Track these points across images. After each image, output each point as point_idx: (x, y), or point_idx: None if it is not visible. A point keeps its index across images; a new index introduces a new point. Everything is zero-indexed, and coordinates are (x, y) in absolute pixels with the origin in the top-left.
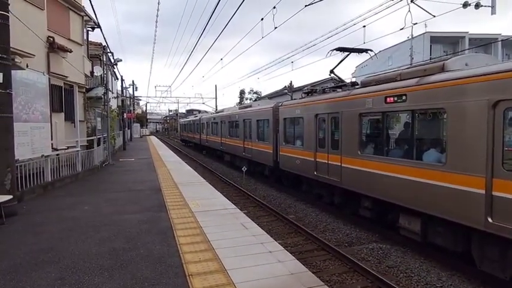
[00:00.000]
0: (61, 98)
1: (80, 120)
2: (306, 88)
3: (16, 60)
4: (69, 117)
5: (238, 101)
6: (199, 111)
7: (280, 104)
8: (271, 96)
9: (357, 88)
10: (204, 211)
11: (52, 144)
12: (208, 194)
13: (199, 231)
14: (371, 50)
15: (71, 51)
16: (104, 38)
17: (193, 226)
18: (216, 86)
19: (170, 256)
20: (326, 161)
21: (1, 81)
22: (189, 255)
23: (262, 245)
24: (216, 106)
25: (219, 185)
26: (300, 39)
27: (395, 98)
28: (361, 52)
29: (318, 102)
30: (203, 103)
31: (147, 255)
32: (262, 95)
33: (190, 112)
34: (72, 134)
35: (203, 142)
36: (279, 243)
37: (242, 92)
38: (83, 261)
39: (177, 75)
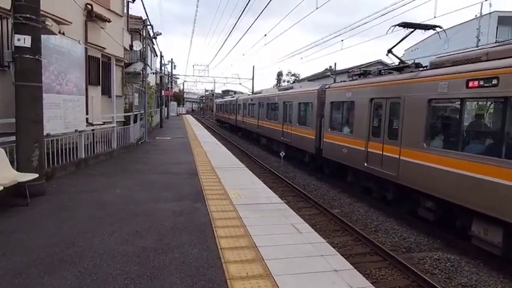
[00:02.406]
0: (98, 71)
1: (117, 96)
2: (356, 69)
3: (47, 23)
4: (107, 92)
5: (276, 82)
6: (235, 92)
7: (327, 86)
8: (311, 78)
9: (424, 70)
10: (246, 204)
11: (87, 118)
12: (249, 182)
13: (244, 232)
14: (439, 27)
15: (109, 21)
16: (144, 9)
17: (235, 224)
18: (253, 67)
19: (210, 266)
20: (380, 152)
21: (29, 46)
22: (234, 266)
23: (324, 259)
24: (253, 87)
25: (257, 170)
26: (343, 21)
27: (482, 82)
28: (428, 29)
29: (373, 85)
30: (239, 83)
31: (183, 262)
32: (301, 77)
33: (226, 93)
34: (109, 109)
35: (239, 124)
36: (326, 241)
37: (280, 74)
38: (106, 265)
39: (216, 55)
